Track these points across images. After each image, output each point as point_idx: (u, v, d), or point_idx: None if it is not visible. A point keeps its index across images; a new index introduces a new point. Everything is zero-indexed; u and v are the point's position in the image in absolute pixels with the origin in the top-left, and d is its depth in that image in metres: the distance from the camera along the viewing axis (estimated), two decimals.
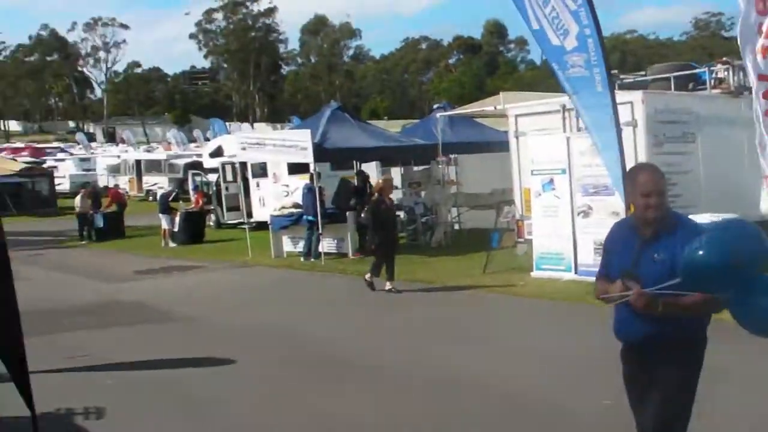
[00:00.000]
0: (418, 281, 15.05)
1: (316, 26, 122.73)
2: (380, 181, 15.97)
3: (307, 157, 17.68)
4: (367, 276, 14.17)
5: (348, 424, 7.45)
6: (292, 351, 10.43)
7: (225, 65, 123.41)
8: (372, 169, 21.12)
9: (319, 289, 15.72)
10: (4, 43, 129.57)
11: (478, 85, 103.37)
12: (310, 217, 18.33)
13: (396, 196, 20.08)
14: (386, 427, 7.41)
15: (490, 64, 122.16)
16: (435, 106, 25.41)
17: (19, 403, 6.02)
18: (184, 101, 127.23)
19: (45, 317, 12.47)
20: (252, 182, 25.40)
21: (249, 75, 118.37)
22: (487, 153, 19.58)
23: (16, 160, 46.77)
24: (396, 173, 21.26)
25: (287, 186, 23.43)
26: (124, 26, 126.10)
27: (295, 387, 8.76)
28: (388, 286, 13.99)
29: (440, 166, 19.65)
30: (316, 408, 7.93)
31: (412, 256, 17.75)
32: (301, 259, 18.66)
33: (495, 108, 18.33)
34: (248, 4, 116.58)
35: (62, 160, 54.49)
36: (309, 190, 18.35)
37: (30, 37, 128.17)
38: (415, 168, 21.37)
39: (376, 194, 14.86)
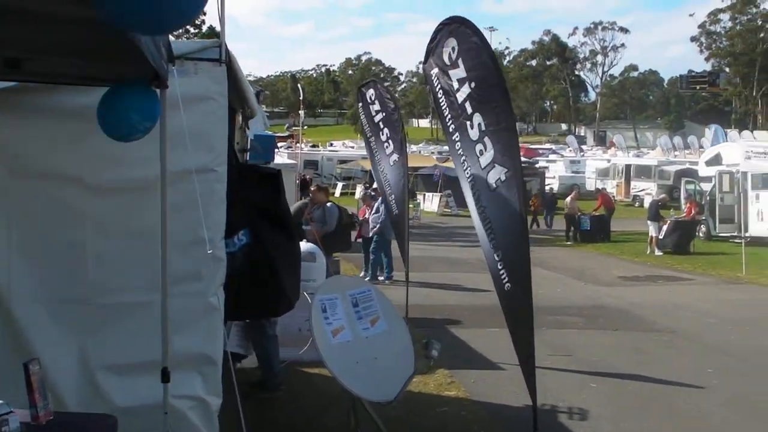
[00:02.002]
0: None
1: None
2: None
3: None
4: None
5: None
6: None
7: (727, 69, 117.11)
8: None
9: None
10: (508, 48, 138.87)
11: None
12: None
13: None
14: None
15: None
16: None
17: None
18: (679, 106, 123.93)
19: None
20: (751, 194, 23.67)
21: (753, 79, 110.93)
22: None
23: None
24: None
25: None
26: (624, 30, 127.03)
27: None
28: None
29: None
30: None
31: None
32: None
33: None
34: (759, 2, 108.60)
35: (553, 161, 56.47)
36: None
37: (533, 42, 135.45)
38: None
39: None
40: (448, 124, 5.84)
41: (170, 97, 4.39)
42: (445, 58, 5.85)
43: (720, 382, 9.43)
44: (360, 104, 13.49)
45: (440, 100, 5.95)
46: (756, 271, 18.69)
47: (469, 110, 5.59)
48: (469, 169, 5.61)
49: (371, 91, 13.19)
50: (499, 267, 5.40)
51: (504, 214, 5.39)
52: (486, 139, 5.44)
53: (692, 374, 9.73)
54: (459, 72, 5.69)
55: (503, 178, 5.34)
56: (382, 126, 12.82)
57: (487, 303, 14.21)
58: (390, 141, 12.64)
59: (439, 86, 5.96)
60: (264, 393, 8.17)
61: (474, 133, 5.55)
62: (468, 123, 5.60)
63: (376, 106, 12.93)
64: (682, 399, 8.74)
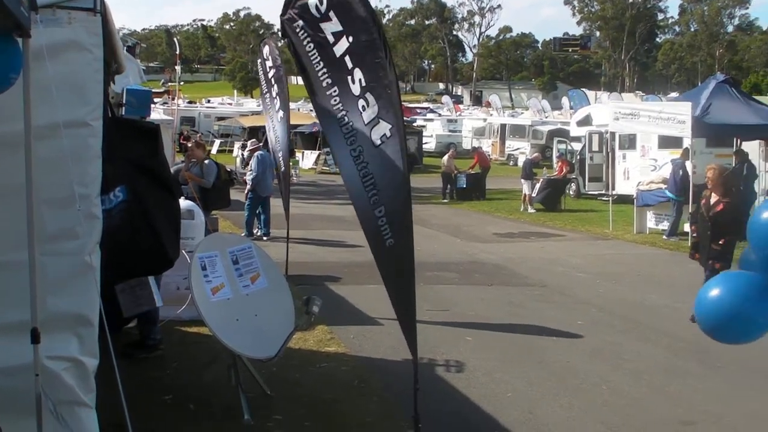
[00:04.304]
0: None
1: None
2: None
3: (684, 131, 16.69)
4: None
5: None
6: (644, 331, 10.02)
7: (598, 33, 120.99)
8: (755, 148, 19.33)
9: (681, 270, 14.85)
10: (389, 6, 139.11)
11: None
12: (672, 195, 17.50)
13: None
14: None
15: None
16: None
17: None
18: (552, 68, 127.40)
19: None
20: (618, 153, 24.62)
21: (621, 43, 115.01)
22: None
23: None
24: None
25: (655, 160, 22.42)
26: None
27: (648, 368, 8.34)
28: None
29: None
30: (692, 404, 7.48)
31: None
32: (664, 237, 17.81)
33: None
34: None
35: (431, 120, 57.14)
36: (679, 167, 17.45)
37: (412, 2, 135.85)
38: None
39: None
40: (322, 78, 5.70)
41: (39, 48, 4.21)
42: (313, 11, 5.69)
43: (588, 333, 9.89)
44: (260, 61, 13.43)
45: (310, 53, 5.77)
46: (622, 227, 19.55)
47: (350, 65, 5.49)
48: (350, 124, 5.54)
49: (267, 48, 13.11)
50: (381, 223, 5.42)
51: (388, 170, 5.40)
52: (368, 95, 5.40)
53: (563, 326, 10.17)
54: (332, 25, 5.52)
55: (388, 134, 5.36)
56: (273, 82, 12.74)
57: (365, 260, 14.27)
58: (277, 98, 12.56)
59: (307, 39, 5.78)
60: (142, 353, 8.06)
61: (356, 89, 5.48)
62: (349, 78, 5.52)
63: (270, 62, 12.87)
64: (553, 350, 9.12)
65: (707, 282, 4.10)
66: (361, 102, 5.46)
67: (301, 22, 5.79)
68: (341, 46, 5.56)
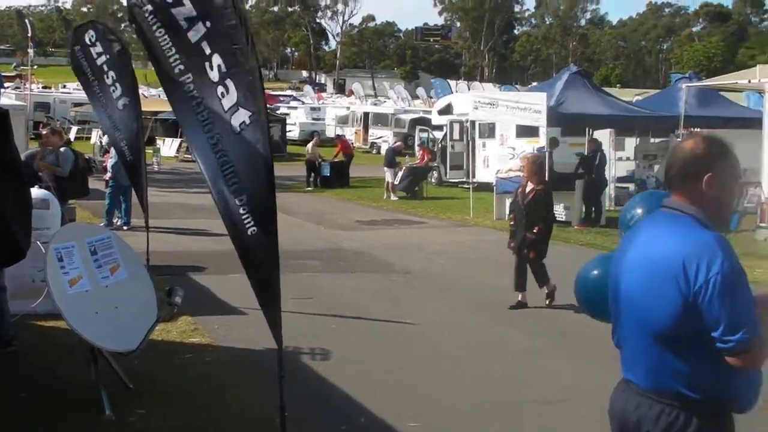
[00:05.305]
0: None
1: None
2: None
3: (540, 120, 17.27)
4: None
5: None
6: (505, 314, 10.36)
7: (458, 23, 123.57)
8: (605, 137, 20.29)
9: None
10: None
11: (730, 56, 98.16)
12: None
13: (628, 167, 19.43)
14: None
15: (738, 34, 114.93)
16: (679, 77, 23.87)
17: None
18: (415, 57, 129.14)
19: None
20: (478, 142, 25.23)
21: (481, 34, 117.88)
22: (734, 129, 18.28)
23: None
24: (630, 144, 20.51)
25: (513, 149, 23.11)
26: None
27: (509, 349, 8.64)
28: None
29: (678, 140, 18.58)
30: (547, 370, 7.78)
31: None
32: None
33: (749, 81, 17.05)
34: None
35: (294, 108, 56.87)
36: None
37: None
38: (652, 140, 20.41)
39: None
40: (174, 65, 5.53)
41: None
42: None
43: (451, 317, 10.13)
44: (77, 47, 12.32)
45: (161, 39, 5.59)
46: (482, 214, 20.02)
47: (207, 51, 5.35)
48: (206, 111, 5.42)
49: (91, 33, 12.10)
50: (242, 212, 5.34)
51: (249, 158, 5.33)
52: (228, 82, 5.29)
53: (427, 311, 10.36)
54: (185, 10, 5.32)
55: (247, 121, 5.28)
56: (106, 69, 11.88)
57: (228, 249, 13.97)
58: (117, 84, 11.83)
59: (157, 24, 5.60)
60: None
61: (214, 75, 5.35)
62: (207, 64, 5.39)
63: (98, 48, 11.97)
64: (418, 334, 9.28)
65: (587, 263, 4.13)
66: (220, 89, 5.34)
67: (149, 7, 5.56)
68: (197, 32, 5.39)
